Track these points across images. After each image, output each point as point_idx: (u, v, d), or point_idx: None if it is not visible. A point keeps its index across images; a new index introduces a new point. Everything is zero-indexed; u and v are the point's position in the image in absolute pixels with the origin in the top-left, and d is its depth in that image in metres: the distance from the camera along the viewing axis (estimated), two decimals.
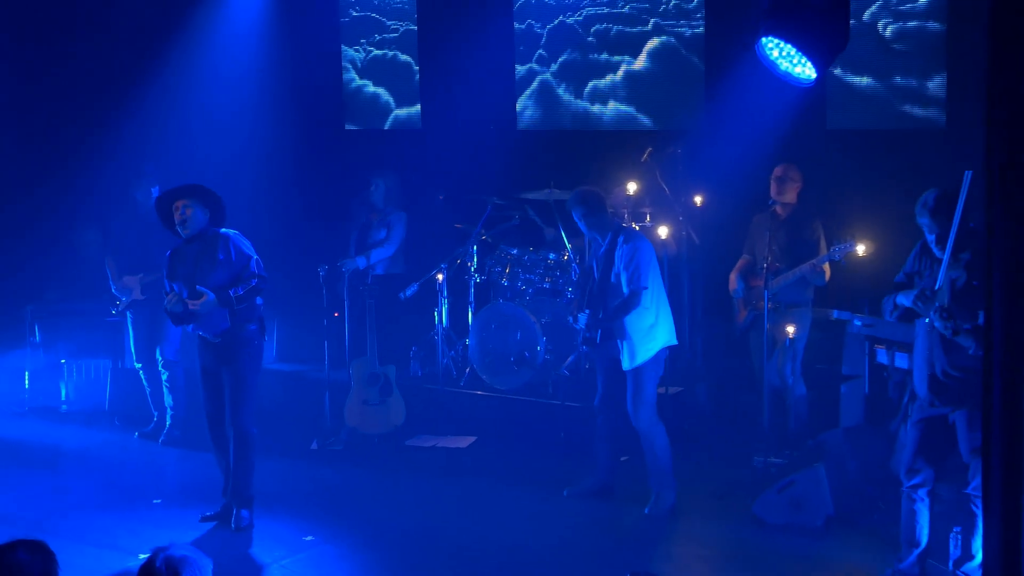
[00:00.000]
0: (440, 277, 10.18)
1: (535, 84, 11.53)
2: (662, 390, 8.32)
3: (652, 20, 10.67)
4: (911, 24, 9.45)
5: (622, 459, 8.40)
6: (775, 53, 4.88)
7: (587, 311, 8.08)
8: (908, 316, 6.43)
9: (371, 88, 12.43)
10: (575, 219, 8.06)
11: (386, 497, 8.52)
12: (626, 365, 7.85)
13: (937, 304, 6.02)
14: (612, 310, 7.92)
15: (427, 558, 7.28)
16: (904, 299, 6.31)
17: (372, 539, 7.61)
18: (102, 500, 8.47)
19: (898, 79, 9.59)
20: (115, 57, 11.76)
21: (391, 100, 12.34)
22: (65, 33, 11.85)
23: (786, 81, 5.00)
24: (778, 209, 8.70)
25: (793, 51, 4.76)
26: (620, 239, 7.86)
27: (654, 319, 7.81)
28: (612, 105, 11.08)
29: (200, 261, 7.61)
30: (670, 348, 8.08)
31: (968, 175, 5.96)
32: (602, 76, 11.11)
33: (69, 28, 11.83)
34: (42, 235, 11.66)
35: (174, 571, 3.60)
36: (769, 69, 4.99)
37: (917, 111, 9.55)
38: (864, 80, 9.72)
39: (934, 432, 6.36)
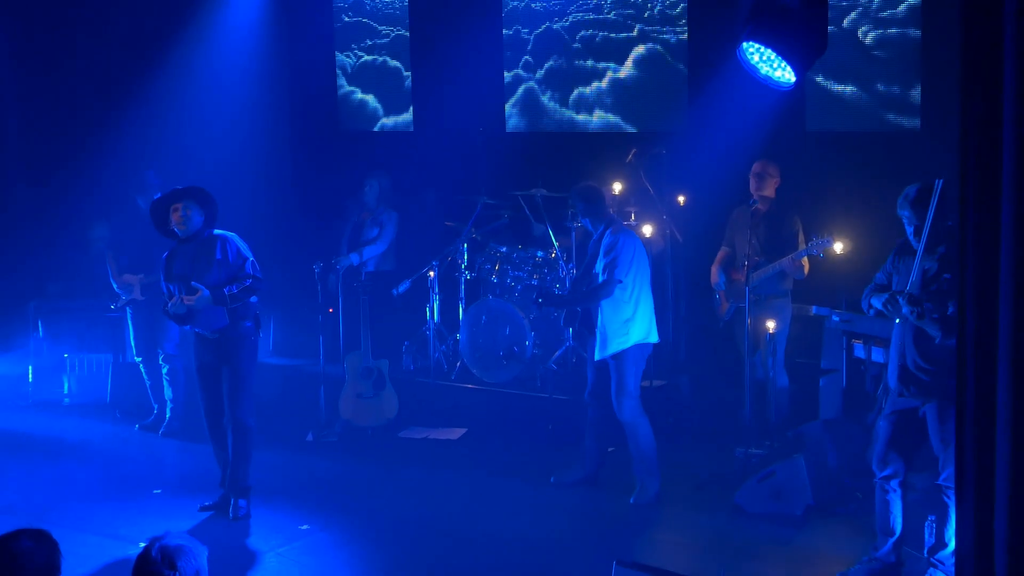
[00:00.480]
0: (432, 274, 10.34)
1: (521, 92, 11.61)
2: (646, 383, 8.39)
3: (637, 26, 10.82)
4: (889, 31, 9.59)
5: (609, 450, 8.49)
6: (756, 58, 5.00)
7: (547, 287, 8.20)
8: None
9: (359, 95, 12.54)
10: (577, 212, 8.23)
11: (379, 487, 8.60)
12: (596, 355, 7.96)
13: (907, 291, 6.15)
14: (580, 293, 8.11)
15: (419, 545, 7.37)
16: (877, 301, 6.43)
17: (366, 527, 7.68)
18: (103, 490, 8.55)
19: (875, 84, 9.73)
20: (119, 59, 11.85)
21: (379, 107, 12.45)
22: (71, 35, 11.92)
23: (767, 85, 5.16)
24: (758, 206, 8.79)
25: (773, 56, 4.89)
26: (608, 231, 7.98)
27: (631, 314, 7.89)
28: (598, 115, 11.19)
29: (197, 261, 7.69)
30: (654, 345, 8.18)
31: (939, 183, 6.13)
32: (587, 83, 11.24)
33: (75, 30, 11.92)
34: (46, 233, 11.74)
35: (170, 560, 3.64)
36: (750, 73, 5.14)
37: (893, 115, 9.72)
38: (842, 84, 9.88)
39: (905, 425, 6.47)
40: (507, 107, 11.67)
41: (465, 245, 10.39)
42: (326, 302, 10.19)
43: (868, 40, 9.66)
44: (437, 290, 10.42)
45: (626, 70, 10.96)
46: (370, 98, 12.44)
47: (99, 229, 10.75)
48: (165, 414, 9.92)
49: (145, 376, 10.08)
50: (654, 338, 8.14)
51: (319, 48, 12.49)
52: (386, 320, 10.38)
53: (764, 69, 5.02)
